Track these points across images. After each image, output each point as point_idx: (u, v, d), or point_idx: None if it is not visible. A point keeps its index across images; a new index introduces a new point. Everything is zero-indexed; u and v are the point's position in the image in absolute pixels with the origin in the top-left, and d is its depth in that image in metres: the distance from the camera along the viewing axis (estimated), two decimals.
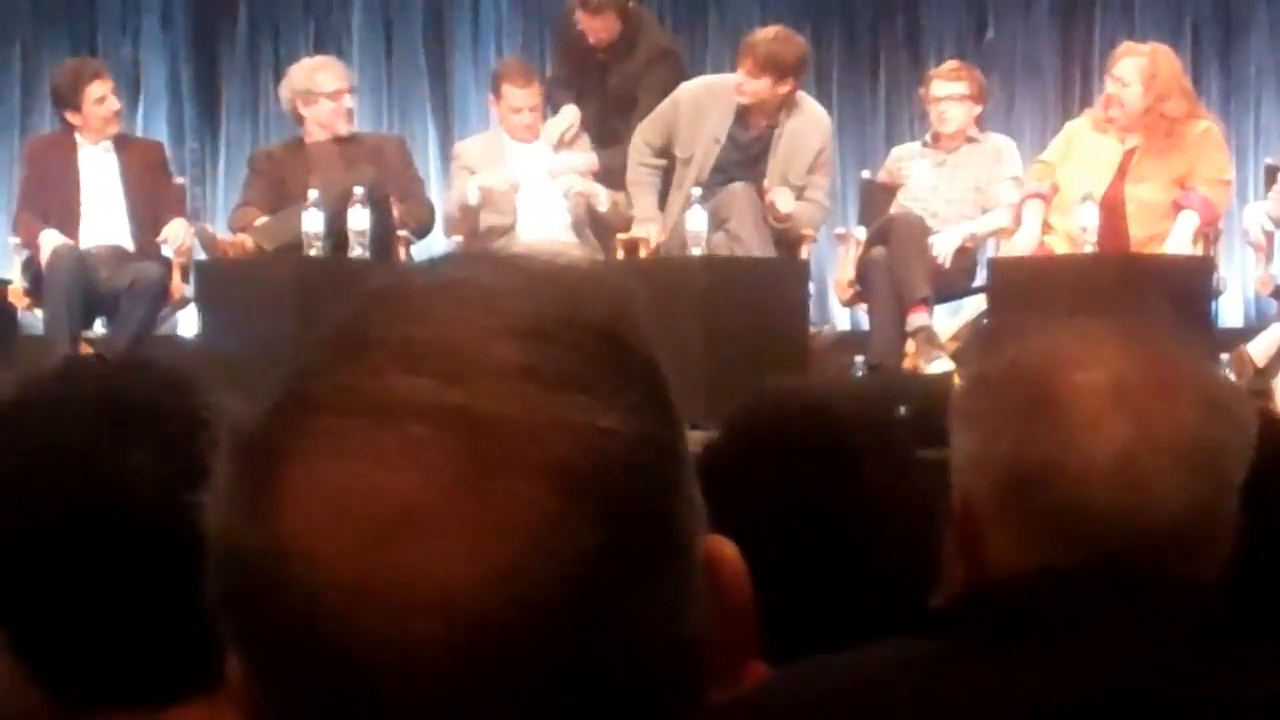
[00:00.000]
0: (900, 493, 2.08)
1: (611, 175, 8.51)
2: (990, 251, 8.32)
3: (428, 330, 0.80)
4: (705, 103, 8.21)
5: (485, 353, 0.79)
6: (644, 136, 8.26)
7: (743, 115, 8.18)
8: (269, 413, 0.81)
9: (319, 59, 8.96)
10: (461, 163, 8.62)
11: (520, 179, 8.43)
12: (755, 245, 7.87)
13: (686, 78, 8.56)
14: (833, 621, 1.91)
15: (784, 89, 8.10)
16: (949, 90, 8.30)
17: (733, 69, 8.35)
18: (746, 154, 8.18)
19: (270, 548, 0.78)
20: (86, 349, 8.02)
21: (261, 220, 8.12)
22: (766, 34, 8.29)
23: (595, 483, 0.78)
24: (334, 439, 0.78)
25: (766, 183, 8.07)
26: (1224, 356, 7.23)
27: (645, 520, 0.80)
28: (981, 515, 1.56)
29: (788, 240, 8.10)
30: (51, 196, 8.28)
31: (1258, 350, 7.62)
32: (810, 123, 8.26)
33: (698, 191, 7.82)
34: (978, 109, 8.31)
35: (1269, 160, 8.81)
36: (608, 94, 8.62)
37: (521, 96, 8.52)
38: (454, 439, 0.77)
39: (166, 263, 8.25)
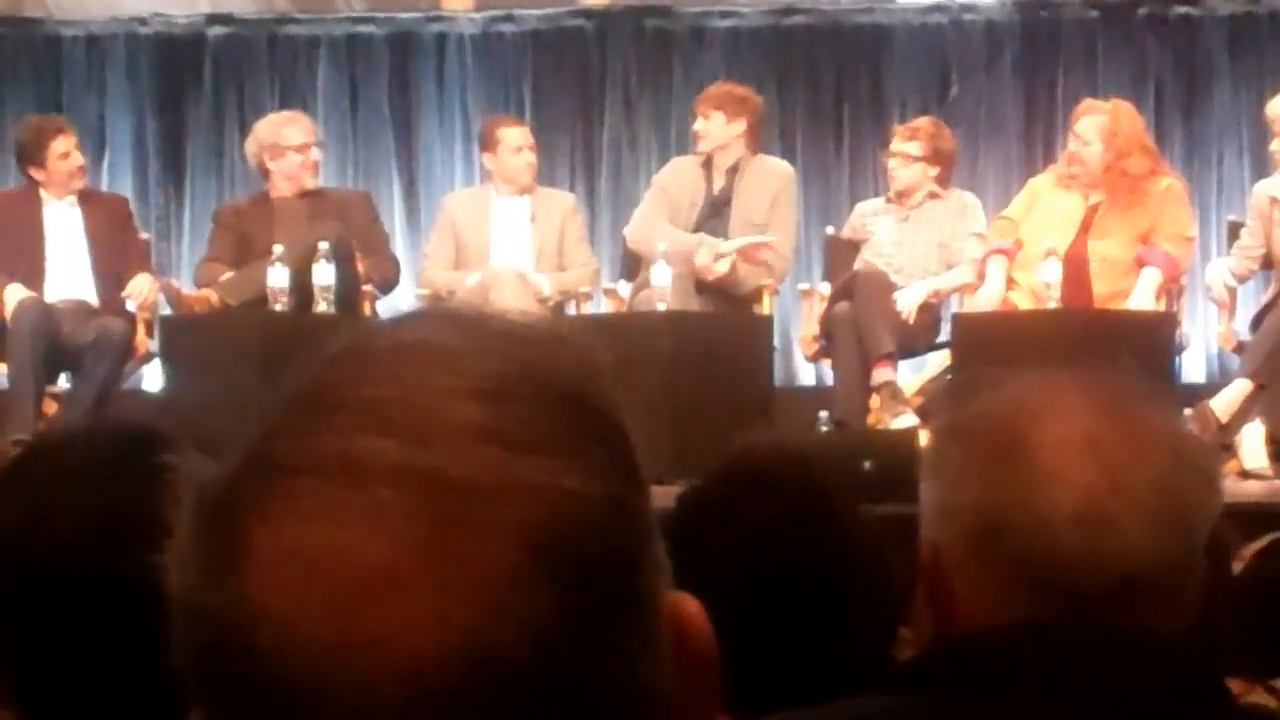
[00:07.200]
0: (873, 546, 2.08)
1: None
2: (954, 307, 8.33)
3: (393, 391, 0.80)
4: (681, 176, 8.38)
5: (450, 414, 0.79)
6: (655, 226, 8.32)
7: (706, 167, 8.26)
8: (234, 473, 0.81)
9: (286, 113, 8.98)
10: (448, 214, 8.70)
11: (497, 232, 8.47)
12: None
13: None
14: (803, 675, 1.91)
15: (737, 128, 8.20)
16: (899, 149, 8.36)
17: None
18: (712, 209, 8.24)
19: (236, 610, 0.78)
20: (51, 404, 7.99)
21: (226, 275, 8.10)
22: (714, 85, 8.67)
23: (560, 546, 0.78)
24: (299, 501, 0.78)
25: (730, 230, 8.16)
26: (1187, 412, 7.24)
27: (610, 583, 0.80)
28: (949, 565, 1.56)
29: (740, 294, 8.14)
30: (15, 252, 8.24)
31: (1220, 406, 7.63)
32: (770, 167, 8.42)
33: (662, 247, 7.84)
34: (933, 170, 8.30)
35: (1231, 217, 8.83)
36: None
37: (519, 134, 8.66)
38: (420, 502, 0.77)
39: (131, 318, 8.23)
